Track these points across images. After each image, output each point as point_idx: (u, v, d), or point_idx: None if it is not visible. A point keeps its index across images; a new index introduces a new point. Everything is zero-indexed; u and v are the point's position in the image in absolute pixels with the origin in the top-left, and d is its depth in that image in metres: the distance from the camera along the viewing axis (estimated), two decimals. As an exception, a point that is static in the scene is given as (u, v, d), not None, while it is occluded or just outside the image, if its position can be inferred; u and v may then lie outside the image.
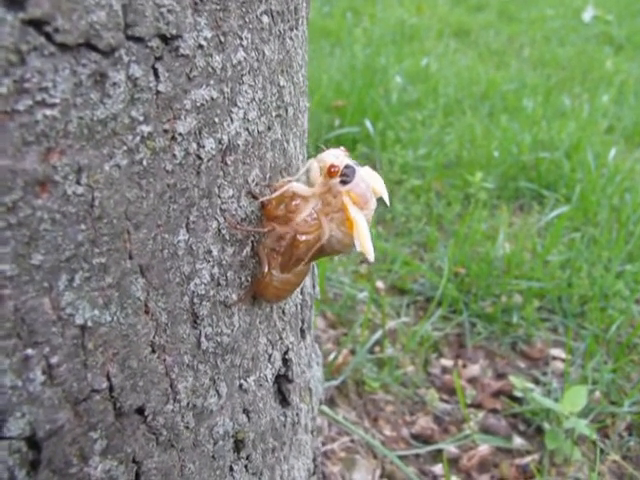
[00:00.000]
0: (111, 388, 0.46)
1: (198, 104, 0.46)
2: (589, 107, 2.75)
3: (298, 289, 0.65)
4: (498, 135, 2.33)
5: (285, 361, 0.67)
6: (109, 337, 0.45)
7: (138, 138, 0.42)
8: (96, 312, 0.43)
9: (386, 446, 1.15)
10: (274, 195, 0.55)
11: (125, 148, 0.42)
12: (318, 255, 0.58)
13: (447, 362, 1.40)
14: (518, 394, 1.28)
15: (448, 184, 2.07)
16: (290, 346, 0.67)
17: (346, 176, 0.54)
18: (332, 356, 1.31)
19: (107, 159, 0.41)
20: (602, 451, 1.16)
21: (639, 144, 2.48)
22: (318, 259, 0.60)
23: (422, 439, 1.19)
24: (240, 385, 0.59)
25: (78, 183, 0.40)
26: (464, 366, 1.39)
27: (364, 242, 0.54)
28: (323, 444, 1.12)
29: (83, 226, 0.41)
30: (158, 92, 0.43)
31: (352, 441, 1.16)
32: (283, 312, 0.65)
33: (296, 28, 0.59)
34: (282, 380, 0.68)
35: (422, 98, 2.66)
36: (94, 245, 0.42)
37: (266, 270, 0.56)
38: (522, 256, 1.65)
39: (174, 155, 0.45)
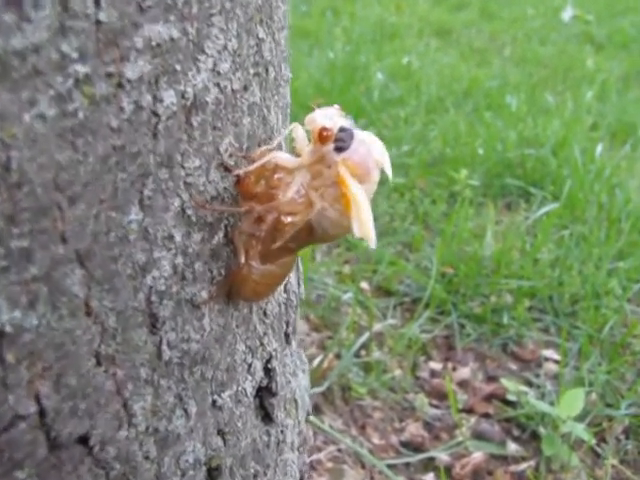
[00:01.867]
0: (42, 413, 0.35)
1: (153, 43, 0.35)
2: (573, 104, 2.72)
3: (282, 285, 0.55)
4: (482, 132, 2.29)
5: (267, 371, 0.56)
6: (37, 346, 0.34)
7: (71, 81, 0.32)
8: (17, 313, 0.33)
9: (375, 455, 1.10)
10: (252, 167, 0.44)
11: (52, 93, 0.31)
12: (307, 241, 0.47)
13: (436, 365, 1.35)
14: (511, 398, 1.23)
15: (432, 182, 2.02)
16: (273, 353, 0.57)
17: (342, 141, 0.44)
18: (317, 361, 1.25)
19: (27, 107, 0.30)
20: (599, 456, 1.12)
21: (624, 141, 2.45)
22: (307, 246, 0.50)
23: (412, 447, 1.13)
24: (213, 402, 0.49)
25: (-14, 137, 0.29)
26: (454, 369, 1.34)
27: (364, 224, 0.43)
28: (309, 454, 1.06)
29: (-6, 197, 0.31)
30: (99, 22, 0.32)
31: (339, 450, 1.10)
32: (264, 313, 0.54)
33: (277, -27, 0.49)
34: (264, 393, 0.58)
35: (404, 95, 2.62)
36: (11, 223, 0.31)
37: (243, 260, 0.45)
38: (511, 255, 1.60)
39: (121, 108, 0.35)
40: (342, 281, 1.53)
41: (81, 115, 0.33)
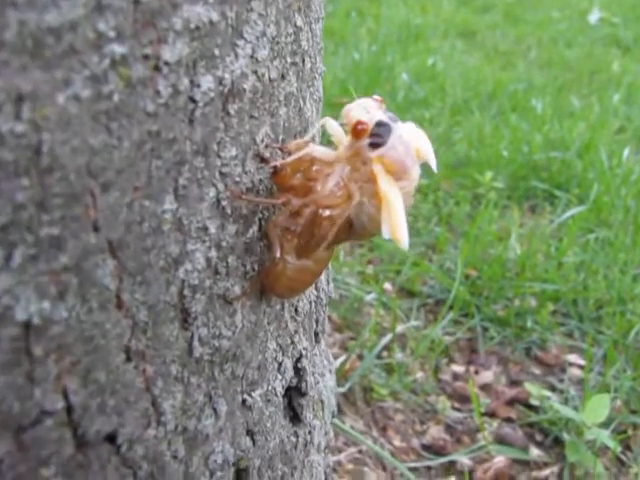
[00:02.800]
0: (70, 409, 0.34)
1: (192, 26, 0.34)
2: (599, 107, 2.69)
3: (316, 281, 0.53)
4: (507, 134, 2.27)
5: (297, 370, 0.54)
6: (65, 339, 0.32)
7: (107, 61, 0.30)
8: (46, 304, 0.31)
9: (396, 457, 1.07)
10: (290, 159, 0.42)
11: (88, 73, 0.29)
12: (346, 236, 0.45)
13: (458, 368, 1.33)
14: (534, 402, 1.21)
15: (457, 184, 2.00)
16: (303, 352, 0.55)
17: (378, 136, 0.41)
18: (339, 362, 1.22)
19: (61, 87, 0.29)
20: (624, 463, 1.09)
21: (651, 145, 2.41)
22: (345, 241, 0.48)
23: (433, 450, 1.11)
24: (243, 401, 0.47)
25: (17, 118, 0.28)
26: (476, 372, 1.32)
27: (396, 226, 0.41)
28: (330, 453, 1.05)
29: (25, 181, 0.29)
30: (136, 0, 0.31)
31: (360, 452, 1.08)
32: (296, 310, 0.53)
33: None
34: (293, 393, 0.56)
35: (429, 97, 2.60)
36: (42, 209, 0.30)
37: (278, 255, 0.43)
38: (535, 258, 1.58)
39: (158, 92, 0.33)
40: (365, 281, 1.51)
41: (116, 98, 0.31)
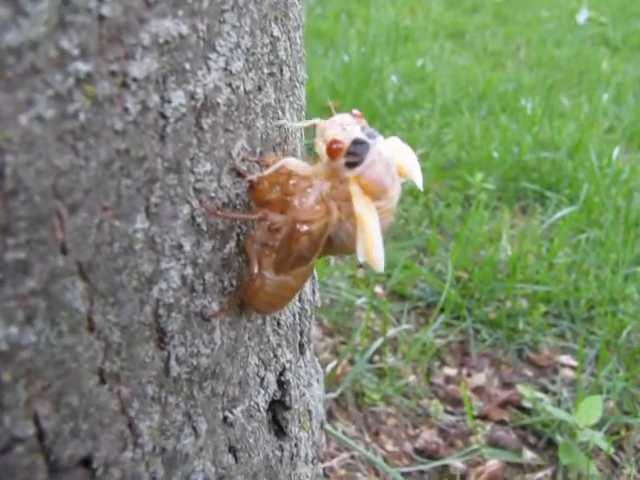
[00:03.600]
0: (41, 435, 0.33)
1: (161, 40, 0.33)
2: (588, 107, 2.69)
3: (297, 296, 0.52)
4: (497, 135, 2.27)
5: (281, 384, 0.54)
6: (35, 364, 0.32)
7: (71, 80, 0.29)
8: (13, 330, 0.30)
9: (388, 462, 1.07)
10: (266, 173, 0.41)
11: (51, 93, 0.29)
12: (325, 251, 0.44)
13: (450, 371, 1.32)
14: (527, 404, 1.20)
15: (447, 185, 2.00)
16: (287, 365, 0.54)
17: (354, 155, 0.40)
18: (330, 367, 1.22)
19: (24, 107, 0.28)
20: (617, 465, 1.09)
21: (640, 144, 2.41)
22: (325, 256, 0.47)
23: (426, 454, 1.11)
24: (224, 418, 0.46)
25: (-22, 141, 0.27)
26: (468, 375, 1.31)
27: (370, 248, 0.40)
28: (321, 461, 1.04)
29: (-13, 205, 0.28)
30: (101, 17, 0.30)
31: (352, 457, 1.08)
32: (278, 324, 0.52)
33: (291, -33, 0.47)
34: (278, 407, 0.55)
35: (419, 98, 2.60)
36: (7, 233, 0.29)
37: (256, 271, 0.42)
38: (526, 259, 1.57)
39: (126, 109, 0.32)
40: (356, 285, 1.51)
41: (82, 117, 0.31)
